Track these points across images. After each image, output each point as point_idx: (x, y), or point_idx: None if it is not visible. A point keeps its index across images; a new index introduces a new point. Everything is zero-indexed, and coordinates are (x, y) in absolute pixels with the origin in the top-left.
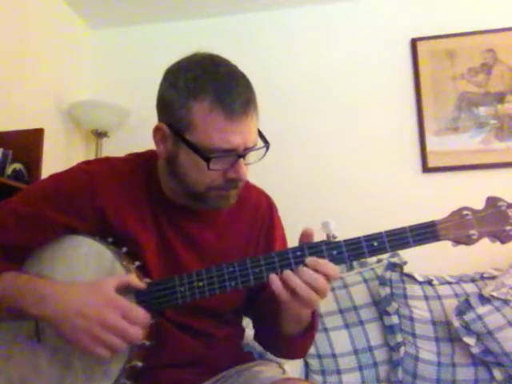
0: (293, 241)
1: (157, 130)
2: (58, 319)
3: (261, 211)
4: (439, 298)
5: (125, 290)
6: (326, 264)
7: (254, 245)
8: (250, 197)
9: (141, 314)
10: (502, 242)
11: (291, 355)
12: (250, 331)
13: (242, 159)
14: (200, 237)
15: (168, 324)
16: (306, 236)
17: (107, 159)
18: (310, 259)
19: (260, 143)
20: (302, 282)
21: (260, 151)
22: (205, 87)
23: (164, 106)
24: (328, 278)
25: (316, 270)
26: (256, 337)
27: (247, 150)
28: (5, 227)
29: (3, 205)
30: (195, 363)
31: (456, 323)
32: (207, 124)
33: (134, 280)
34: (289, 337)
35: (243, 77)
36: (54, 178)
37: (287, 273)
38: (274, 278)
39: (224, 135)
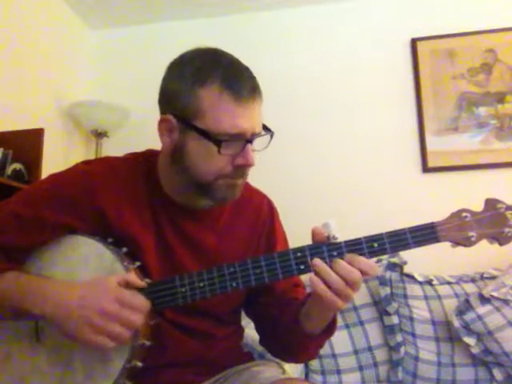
0: (294, 242)
1: (162, 121)
2: (59, 317)
3: (262, 214)
4: (439, 298)
5: (125, 288)
6: (362, 260)
7: (254, 248)
8: (252, 199)
9: (140, 300)
10: (501, 244)
11: (304, 356)
12: (249, 331)
13: (249, 145)
14: (200, 238)
15: (168, 325)
16: (316, 235)
17: (106, 159)
18: (348, 255)
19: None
20: (336, 275)
21: (264, 141)
22: (212, 74)
23: (169, 97)
24: (365, 274)
25: (351, 265)
26: (262, 341)
27: (254, 135)
28: (4, 228)
29: (2, 206)
30: (195, 363)
31: (456, 323)
32: (216, 108)
33: (134, 278)
34: (309, 335)
35: (247, 68)
36: (53, 178)
37: (321, 268)
38: (315, 279)
39: (233, 119)
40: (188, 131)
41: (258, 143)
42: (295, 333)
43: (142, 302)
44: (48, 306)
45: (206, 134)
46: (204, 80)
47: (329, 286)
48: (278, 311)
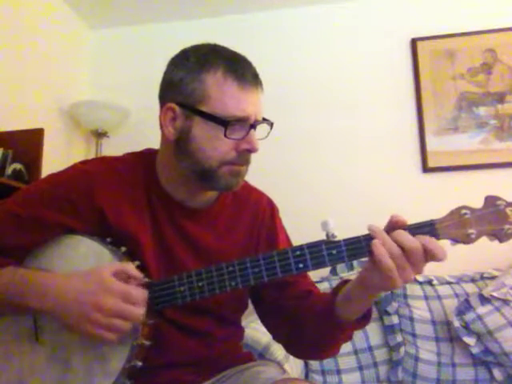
0: (294, 241)
1: (166, 110)
2: (58, 310)
3: (261, 212)
4: (439, 298)
5: (123, 278)
6: (427, 238)
7: (254, 246)
8: (250, 198)
9: (139, 292)
10: (501, 241)
11: (330, 350)
12: (249, 331)
13: (253, 130)
14: (199, 237)
15: (168, 324)
16: (394, 221)
17: (104, 159)
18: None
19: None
20: (392, 241)
21: (264, 132)
22: (216, 60)
23: (172, 86)
24: (431, 253)
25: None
26: (280, 338)
27: (257, 122)
28: (2, 228)
29: (0, 205)
30: (195, 363)
31: (456, 323)
32: (222, 92)
33: (130, 267)
34: (342, 324)
35: (246, 58)
36: (52, 178)
37: (398, 233)
38: (378, 244)
39: (238, 103)
40: (193, 117)
41: (257, 134)
42: (327, 322)
43: (140, 292)
44: (47, 301)
45: (212, 117)
46: (209, 66)
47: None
48: (297, 304)
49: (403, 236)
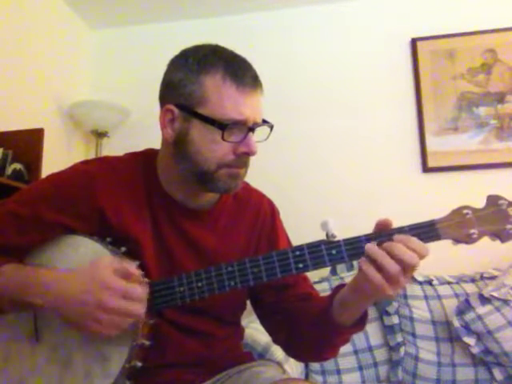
0: (294, 241)
1: (166, 111)
2: (60, 308)
3: (262, 214)
4: (439, 298)
5: (122, 275)
6: (414, 241)
7: (254, 248)
8: (251, 199)
9: (140, 290)
10: (502, 241)
11: (328, 353)
12: (249, 331)
13: (251, 133)
14: (199, 238)
15: (167, 325)
16: (380, 225)
17: (105, 159)
18: (398, 237)
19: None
20: (391, 259)
21: (264, 134)
22: (215, 62)
23: (172, 87)
24: (420, 256)
25: (407, 247)
26: (278, 340)
27: (256, 124)
28: (3, 228)
29: (1, 205)
30: (195, 363)
31: (456, 323)
32: (220, 95)
33: (129, 265)
34: (339, 328)
35: (246, 59)
36: (52, 178)
37: (375, 252)
38: (364, 263)
39: (236, 106)
40: (191, 119)
41: (257, 136)
42: (324, 326)
43: (140, 290)
44: (49, 297)
45: (210, 120)
46: (208, 68)
47: (381, 271)
48: (297, 306)
49: (400, 250)
